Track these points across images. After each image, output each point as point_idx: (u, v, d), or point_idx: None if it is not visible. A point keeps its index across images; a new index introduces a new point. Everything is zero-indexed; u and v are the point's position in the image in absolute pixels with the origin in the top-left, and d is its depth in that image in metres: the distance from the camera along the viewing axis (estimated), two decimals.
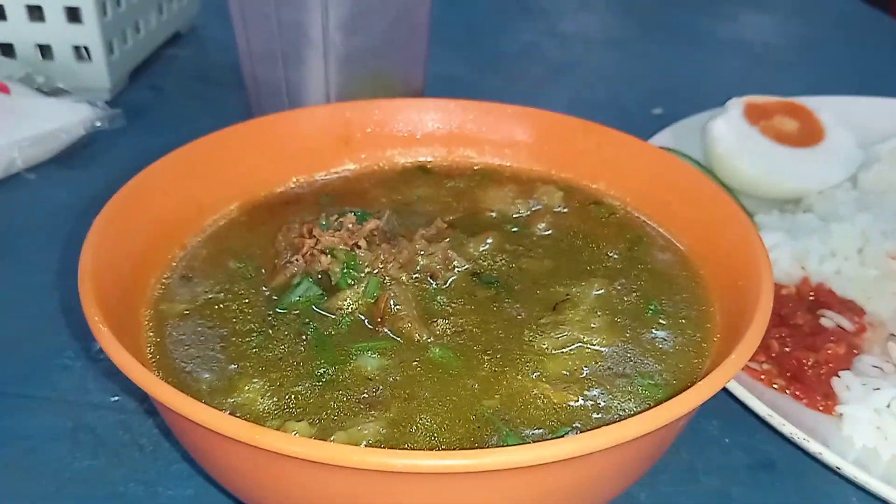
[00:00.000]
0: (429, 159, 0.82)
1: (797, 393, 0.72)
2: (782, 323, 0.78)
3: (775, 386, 0.73)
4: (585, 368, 0.57)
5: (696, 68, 1.56)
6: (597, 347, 0.59)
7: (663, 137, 1.05)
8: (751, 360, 0.75)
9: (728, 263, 0.63)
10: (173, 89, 1.36)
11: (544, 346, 0.58)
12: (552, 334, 0.59)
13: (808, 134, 1.05)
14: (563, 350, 0.58)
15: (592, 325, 0.60)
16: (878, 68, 1.55)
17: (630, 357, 0.58)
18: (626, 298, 0.64)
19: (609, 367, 0.57)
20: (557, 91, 1.44)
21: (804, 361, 0.74)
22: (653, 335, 0.60)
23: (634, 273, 0.67)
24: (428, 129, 0.83)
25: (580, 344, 0.59)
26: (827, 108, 1.08)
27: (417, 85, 1.04)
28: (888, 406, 0.68)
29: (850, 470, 0.62)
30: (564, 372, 0.56)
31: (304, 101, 0.97)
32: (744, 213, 0.65)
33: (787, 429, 0.65)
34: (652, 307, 0.63)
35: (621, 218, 0.74)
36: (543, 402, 0.54)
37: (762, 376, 0.73)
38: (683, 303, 0.64)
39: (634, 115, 1.34)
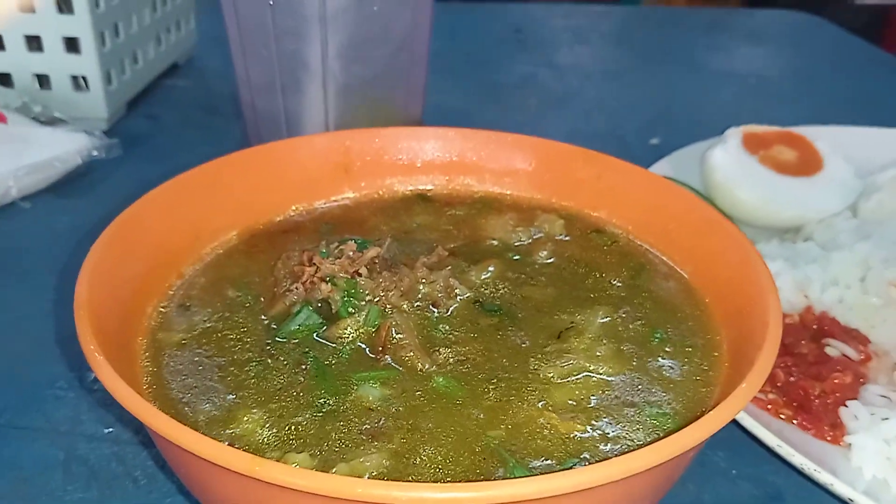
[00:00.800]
0: (429, 187, 0.82)
1: (804, 423, 0.71)
2: (787, 352, 0.77)
3: (782, 416, 0.72)
4: (593, 398, 0.55)
5: (691, 99, 1.57)
6: (603, 376, 0.58)
7: (661, 167, 1.05)
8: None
9: (732, 290, 0.62)
10: (171, 119, 1.36)
11: (550, 375, 0.57)
12: (557, 363, 0.58)
13: (807, 163, 1.05)
14: (570, 379, 0.57)
15: (598, 354, 0.59)
16: (870, 99, 1.57)
17: (637, 386, 0.57)
18: (630, 326, 0.63)
19: (616, 396, 0.56)
20: (555, 122, 1.44)
21: (810, 391, 0.73)
22: (659, 364, 0.59)
23: (638, 301, 0.66)
24: (428, 158, 0.82)
25: (587, 373, 0.58)
26: (824, 137, 1.09)
27: (416, 114, 1.04)
28: None
29: (861, 501, 0.61)
30: (571, 401, 0.55)
31: (302, 130, 0.97)
32: (746, 240, 0.64)
33: (797, 459, 0.63)
34: (658, 335, 0.62)
35: (623, 246, 0.74)
36: (550, 432, 0.53)
37: (768, 406, 0.72)
38: (689, 331, 0.63)
39: (632, 145, 1.34)
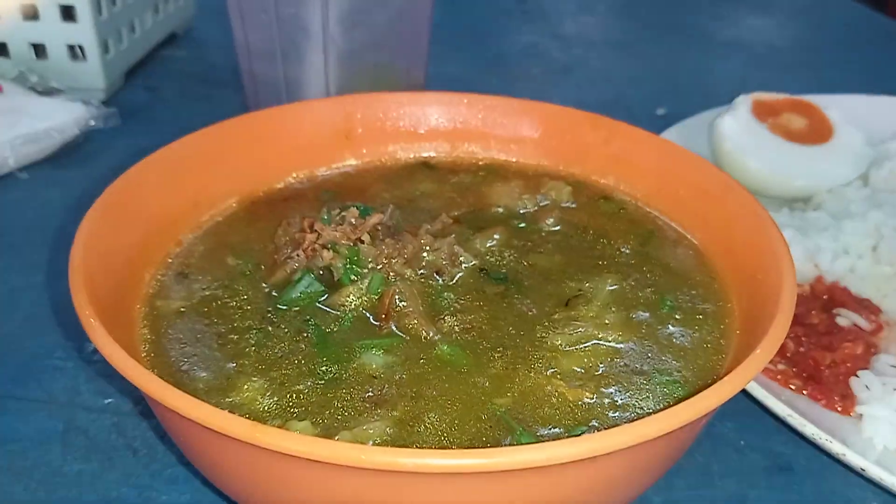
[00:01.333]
0: (432, 154, 0.80)
1: (814, 394, 0.70)
2: (797, 322, 0.76)
3: (792, 387, 0.71)
4: (601, 365, 0.54)
5: (698, 69, 1.55)
6: (612, 344, 0.56)
7: (669, 136, 1.03)
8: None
9: (745, 257, 0.61)
10: (169, 89, 1.34)
11: (558, 343, 0.56)
12: (565, 331, 0.57)
13: (817, 131, 1.03)
14: (578, 347, 0.56)
15: (607, 321, 0.58)
16: (878, 69, 1.54)
17: (647, 354, 0.56)
18: (640, 294, 0.62)
19: (626, 364, 0.55)
20: (559, 92, 1.42)
21: (821, 361, 0.72)
22: (669, 331, 0.58)
23: (647, 268, 0.65)
24: (431, 124, 0.81)
25: (595, 341, 0.56)
26: (834, 105, 1.07)
27: (419, 81, 1.02)
28: None
29: (875, 472, 0.60)
30: (579, 369, 0.54)
31: (303, 97, 0.95)
32: (760, 206, 0.62)
33: (809, 429, 0.62)
34: (667, 303, 0.61)
35: (632, 213, 0.72)
36: (558, 399, 0.51)
37: (778, 377, 0.71)
38: (699, 298, 0.62)
39: (638, 115, 1.32)
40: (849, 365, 0.72)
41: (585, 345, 0.56)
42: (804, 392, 0.70)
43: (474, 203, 0.74)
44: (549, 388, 0.52)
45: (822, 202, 0.96)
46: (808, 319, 0.76)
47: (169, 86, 1.35)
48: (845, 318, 0.76)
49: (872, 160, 1.00)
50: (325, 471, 0.41)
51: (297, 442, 0.39)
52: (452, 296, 0.61)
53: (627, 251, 0.67)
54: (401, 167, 0.79)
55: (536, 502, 0.45)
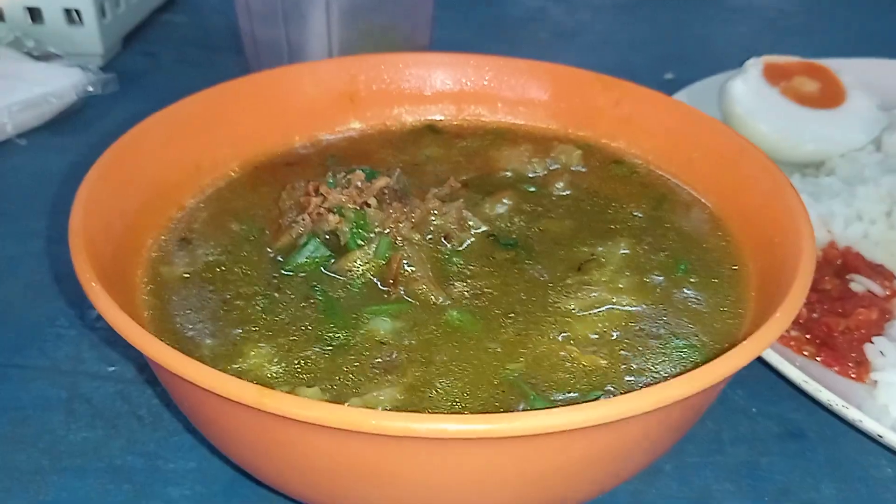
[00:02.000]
0: (438, 118, 0.78)
1: (828, 360, 0.69)
2: (811, 288, 0.74)
3: (805, 353, 0.70)
4: (616, 330, 0.53)
5: (706, 33, 1.52)
6: (627, 308, 0.55)
7: (679, 99, 1.01)
8: None
9: (761, 220, 0.59)
10: (168, 55, 1.31)
11: (571, 308, 0.55)
12: (578, 295, 0.55)
13: (830, 95, 1.01)
14: (592, 311, 0.55)
15: (621, 286, 0.57)
16: (891, 32, 1.51)
17: (662, 318, 0.55)
18: (653, 258, 0.60)
19: (641, 328, 0.53)
20: (565, 56, 1.38)
21: (834, 328, 0.71)
22: (684, 295, 0.57)
23: (661, 232, 0.64)
24: (437, 86, 0.79)
25: (609, 305, 0.55)
26: (847, 69, 1.04)
27: (423, 43, 1.00)
28: None
29: (892, 438, 0.59)
30: (594, 334, 0.53)
31: (305, 59, 0.93)
32: (775, 167, 0.61)
33: (824, 395, 0.61)
34: (682, 267, 0.59)
35: (644, 176, 0.71)
36: (572, 364, 0.50)
37: (791, 343, 0.70)
38: (714, 262, 0.60)
39: (645, 80, 1.27)
40: (863, 331, 0.71)
41: (599, 309, 0.55)
42: (818, 358, 0.69)
43: (482, 167, 0.72)
44: (562, 353, 0.51)
45: (835, 167, 0.94)
46: (821, 285, 0.75)
47: (168, 51, 1.33)
48: (859, 283, 0.75)
49: (885, 125, 0.98)
50: (334, 437, 0.40)
51: (307, 407, 0.38)
52: (462, 261, 0.59)
53: (640, 215, 0.66)
54: (407, 131, 0.77)
55: (550, 468, 0.44)
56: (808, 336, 0.71)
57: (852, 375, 0.67)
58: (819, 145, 0.95)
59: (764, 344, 0.43)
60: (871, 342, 0.68)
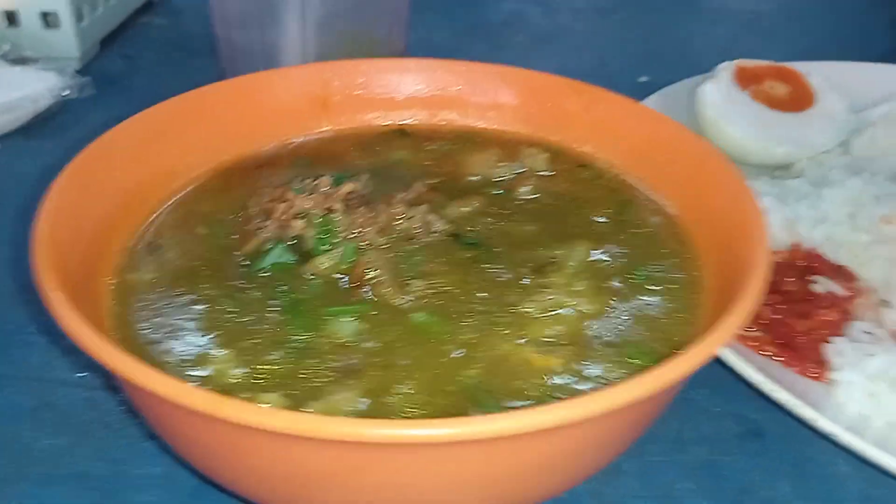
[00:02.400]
0: (410, 122, 0.79)
1: (788, 360, 0.70)
2: (773, 289, 0.76)
3: (766, 354, 0.71)
4: (571, 334, 0.54)
5: (682, 36, 1.53)
6: (583, 312, 0.56)
7: (650, 103, 1.02)
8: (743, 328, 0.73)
9: (721, 226, 0.60)
10: (146, 58, 1.32)
11: (528, 310, 0.56)
12: (536, 297, 0.56)
13: (800, 99, 1.03)
14: (548, 314, 0.56)
15: (578, 289, 0.58)
16: (863, 35, 1.53)
17: (618, 323, 0.56)
18: (613, 263, 0.62)
19: (596, 333, 0.54)
20: (542, 59, 1.40)
21: (796, 328, 0.72)
22: (642, 301, 0.58)
23: (622, 237, 0.65)
24: (409, 91, 0.79)
25: (566, 308, 0.56)
26: (818, 72, 1.06)
27: (400, 47, 1.01)
28: (882, 372, 0.66)
29: (845, 437, 0.60)
30: (549, 337, 0.54)
31: (280, 64, 0.94)
32: (735, 171, 0.62)
33: (781, 395, 0.63)
34: (640, 272, 0.61)
35: (610, 181, 0.72)
36: (527, 369, 0.51)
37: (753, 343, 0.71)
38: (674, 268, 0.61)
39: (620, 82, 1.28)
40: (824, 332, 0.72)
41: (556, 312, 0.56)
42: (778, 359, 0.71)
43: (451, 171, 0.73)
44: (519, 357, 0.52)
45: (803, 170, 0.95)
46: (784, 287, 0.76)
47: (146, 54, 1.33)
48: (821, 285, 0.76)
49: (854, 127, 1.00)
50: (289, 443, 0.41)
51: (258, 414, 0.39)
52: (423, 259, 0.60)
53: (603, 220, 0.67)
54: (378, 135, 0.78)
55: (502, 472, 0.45)
56: (770, 337, 0.72)
57: (812, 375, 0.69)
58: (788, 148, 0.97)
59: (710, 350, 0.44)
60: (831, 342, 0.70)
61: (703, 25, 1.59)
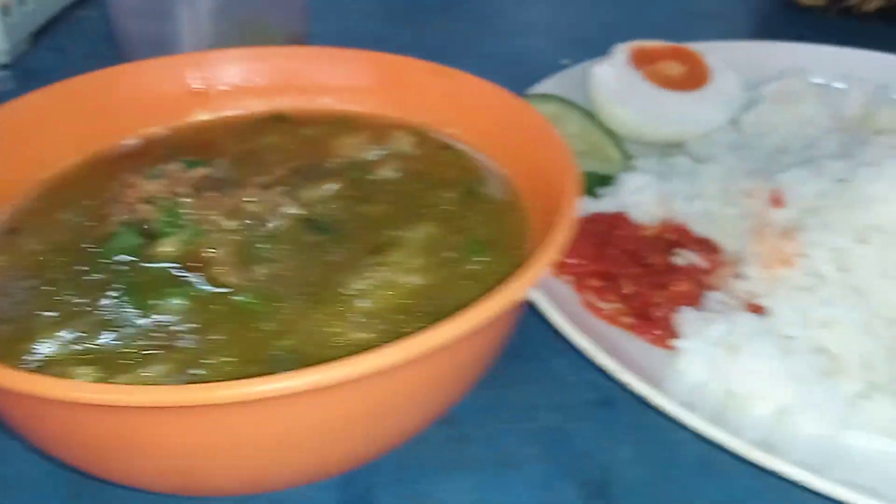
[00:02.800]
0: (285, 108, 0.81)
1: (641, 330, 0.73)
2: (636, 262, 0.78)
3: (622, 325, 0.74)
4: (394, 309, 0.56)
5: (615, 20, 1.55)
6: (410, 288, 0.58)
7: (548, 85, 1.04)
8: (602, 300, 0.76)
9: (551, 199, 0.62)
10: (78, 52, 1.33)
11: (357, 288, 0.58)
12: (367, 276, 0.59)
13: (694, 78, 1.05)
14: (376, 291, 0.58)
15: (411, 267, 0.60)
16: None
17: (444, 297, 0.58)
18: (453, 239, 0.64)
19: (418, 308, 0.57)
20: (468, 44, 1.42)
21: (651, 300, 0.74)
22: (472, 273, 0.60)
23: (469, 214, 0.67)
24: (285, 78, 0.82)
25: (395, 286, 0.58)
26: (717, 52, 1.08)
27: (299, 35, 1.03)
28: (721, 339, 0.69)
29: (675, 411, 0.62)
30: (371, 313, 0.56)
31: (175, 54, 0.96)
32: (566, 147, 0.64)
33: (609, 364, 0.65)
34: (478, 247, 0.63)
35: (468, 161, 0.74)
36: (343, 339, 0.54)
37: (605, 314, 0.74)
38: (512, 244, 0.64)
39: (542, 65, 1.32)
40: (681, 303, 0.75)
41: (384, 290, 0.58)
42: (635, 330, 0.73)
43: (318, 155, 0.75)
44: (336, 329, 0.54)
45: (693, 147, 0.98)
46: (647, 260, 0.78)
47: (78, 48, 1.35)
48: (683, 258, 0.78)
49: (745, 104, 1.02)
50: (92, 412, 0.44)
51: (34, 384, 0.42)
52: (269, 246, 0.63)
53: (454, 197, 0.69)
54: (253, 121, 0.80)
55: (309, 427, 0.48)
56: (629, 308, 0.75)
57: (662, 345, 0.71)
58: (678, 127, 0.99)
59: (491, 309, 0.47)
60: (679, 312, 0.72)
61: (634, 8, 1.60)
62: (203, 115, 0.80)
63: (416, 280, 0.59)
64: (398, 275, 0.59)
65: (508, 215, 0.67)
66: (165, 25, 0.95)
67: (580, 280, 0.77)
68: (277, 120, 0.81)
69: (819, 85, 1.05)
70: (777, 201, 0.79)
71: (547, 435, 0.67)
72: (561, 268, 0.78)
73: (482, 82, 0.74)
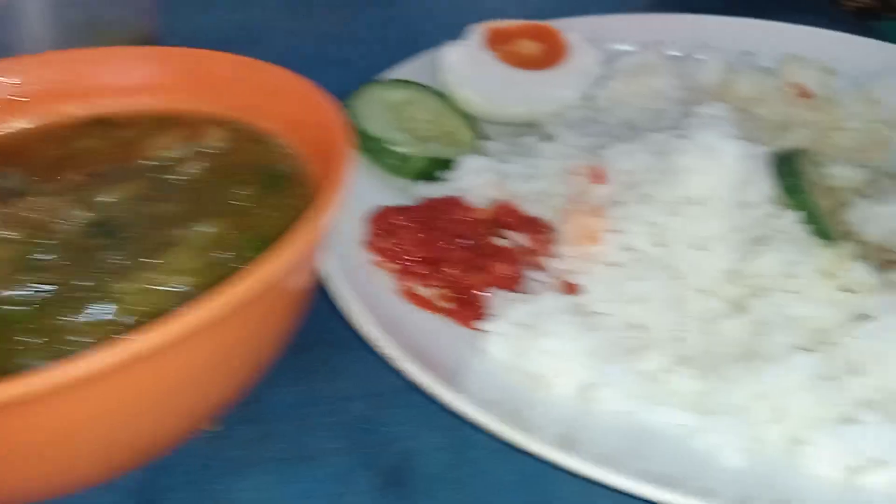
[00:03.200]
0: (106, 111, 0.80)
1: (459, 315, 0.73)
2: (463, 247, 0.78)
3: (441, 311, 0.74)
4: (147, 311, 0.56)
5: (503, 5, 1.53)
6: (175, 289, 0.58)
7: (405, 70, 1.03)
8: (426, 285, 0.76)
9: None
10: None
11: (119, 290, 0.58)
12: (133, 278, 0.58)
13: (551, 55, 1.04)
14: (139, 294, 0.57)
15: (185, 267, 0.60)
16: None
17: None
18: (237, 236, 0.63)
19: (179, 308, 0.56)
20: (358, 30, 1.41)
21: (472, 283, 0.75)
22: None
23: (263, 211, 0.66)
24: (106, 80, 0.80)
25: (159, 286, 0.58)
26: (577, 27, 1.07)
27: (148, 34, 1.02)
28: (523, 319, 0.69)
29: (447, 398, 0.62)
30: (128, 314, 0.56)
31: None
32: (348, 138, 0.64)
33: (388, 351, 0.65)
34: (259, 245, 0.62)
35: (274, 155, 0.73)
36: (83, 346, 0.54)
37: (425, 301, 0.74)
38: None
39: (423, 48, 1.32)
40: (501, 284, 0.75)
41: (149, 291, 0.58)
42: (450, 315, 0.73)
43: (128, 156, 0.75)
44: (84, 334, 0.54)
45: (545, 125, 0.97)
46: (473, 243, 0.78)
47: None
48: (509, 239, 0.78)
49: (599, 80, 1.01)
50: None
51: None
52: (52, 255, 0.62)
53: (250, 193, 0.68)
54: (73, 126, 0.79)
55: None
56: (452, 291, 0.75)
57: (474, 327, 0.72)
58: (527, 106, 0.99)
59: (244, 287, 0.48)
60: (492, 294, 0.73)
61: None
62: (19, 123, 0.79)
63: (183, 281, 0.58)
64: (167, 276, 0.59)
65: (306, 209, 0.66)
66: (6, 25, 0.93)
67: (406, 268, 0.77)
68: (98, 123, 0.80)
69: (676, 57, 1.05)
70: (598, 177, 0.79)
71: (356, 426, 0.68)
72: (383, 255, 0.77)
73: (286, 73, 0.74)
